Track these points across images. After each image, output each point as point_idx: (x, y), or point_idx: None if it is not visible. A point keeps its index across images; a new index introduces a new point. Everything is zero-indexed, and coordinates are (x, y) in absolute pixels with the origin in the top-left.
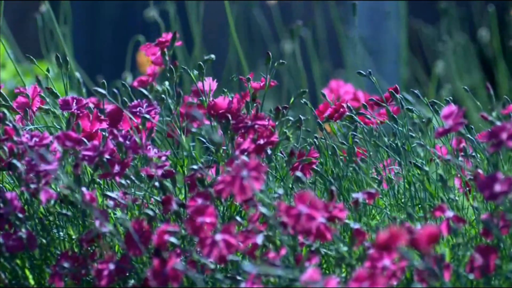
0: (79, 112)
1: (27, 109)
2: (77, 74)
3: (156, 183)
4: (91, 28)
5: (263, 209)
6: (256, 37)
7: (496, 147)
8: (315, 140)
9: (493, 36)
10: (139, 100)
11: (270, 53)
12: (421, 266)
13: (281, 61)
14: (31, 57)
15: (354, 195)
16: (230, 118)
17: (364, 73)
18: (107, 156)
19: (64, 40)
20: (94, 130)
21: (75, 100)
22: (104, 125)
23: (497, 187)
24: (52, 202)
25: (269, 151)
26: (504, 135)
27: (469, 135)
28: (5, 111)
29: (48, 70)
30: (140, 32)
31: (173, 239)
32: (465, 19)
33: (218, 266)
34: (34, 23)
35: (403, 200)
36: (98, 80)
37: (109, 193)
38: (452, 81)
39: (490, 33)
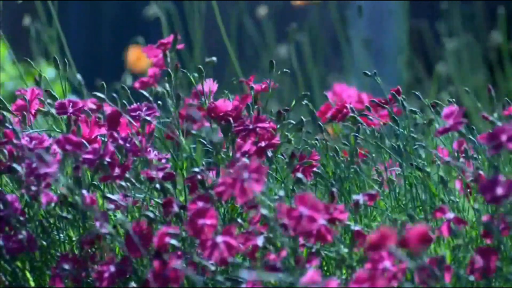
0: (75, 115)
1: (25, 112)
2: (78, 76)
3: (157, 185)
4: (91, 29)
5: (263, 211)
6: (256, 37)
7: (496, 149)
8: (316, 142)
9: (496, 37)
10: (138, 103)
11: (273, 61)
12: (413, 265)
13: (284, 70)
14: (29, 59)
15: (355, 196)
16: (231, 120)
17: (370, 74)
18: (107, 159)
19: (62, 41)
20: (93, 136)
21: (71, 103)
22: (103, 130)
23: (499, 190)
24: (53, 204)
25: (270, 153)
26: (503, 137)
27: (470, 136)
28: (5, 113)
29: (40, 73)
30: (141, 33)
31: (173, 241)
32: (468, 19)
33: (218, 268)
34: (33, 24)
35: (404, 202)
36: (98, 82)
37: (109, 196)
38: (454, 82)
39: (493, 34)
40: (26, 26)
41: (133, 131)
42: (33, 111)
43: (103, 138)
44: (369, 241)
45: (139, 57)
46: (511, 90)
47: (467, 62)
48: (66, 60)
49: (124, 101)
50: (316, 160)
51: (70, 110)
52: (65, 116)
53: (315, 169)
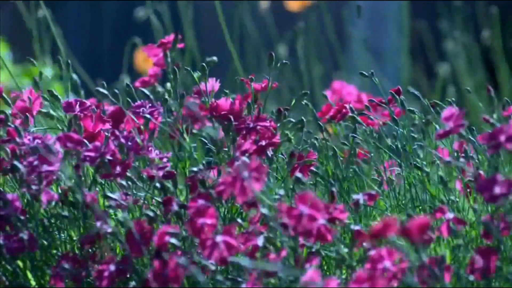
0: (82, 114)
1: (27, 113)
2: (74, 76)
3: (157, 184)
4: (91, 29)
5: (264, 210)
6: (256, 38)
7: (494, 149)
8: (315, 141)
9: (495, 37)
10: (142, 100)
11: (273, 54)
12: (414, 258)
13: (284, 61)
14: (31, 59)
15: (355, 196)
16: (232, 119)
17: (366, 74)
18: (108, 157)
19: (63, 42)
20: (96, 131)
21: (78, 103)
22: (107, 125)
23: (497, 189)
24: (53, 203)
25: (270, 153)
26: (502, 137)
27: (470, 137)
28: (7, 112)
29: (41, 73)
30: (141, 34)
31: (174, 240)
32: (468, 20)
33: (218, 267)
34: (33, 25)
35: (403, 202)
36: (98, 82)
37: (110, 194)
38: (455, 82)
39: (493, 34)
40: (27, 26)
41: (135, 128)
42: (34, 112)
43: (106, 133)
44: (372, 231)
45: (147, 58)
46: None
47: (466, 62)
48: (67, 60)
49: (127, 99)
50: (313, 159)
51: (77, 109)
52: (68, 116)
53: (312, 168)
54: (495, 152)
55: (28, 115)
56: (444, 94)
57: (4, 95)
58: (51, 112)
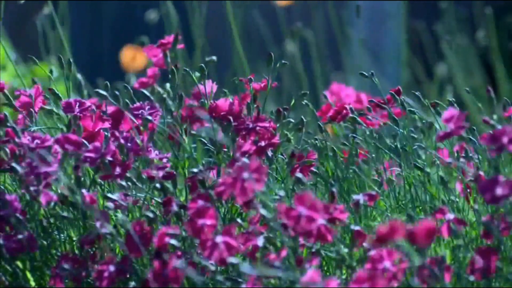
0: (81, 115)
1: (30, 109)
2: (79, 76)
3: (157, 185)
4: (91, 29)
5: (263, 211)
6: (257, 38)
7: (497, 151)
8: (315, 141)
9: (492, 38)
10: (141, 102)
11: (272, 54)
12: (419, 261)
13: (283, 61)
14: (33, 58)
15: (355, 196)
16: (231, 120)
17: (367, 75)
18: (108, 158)
19: (64, 42)
20: (96, 130)
21: (78, 103)
22: (107, 124)
23: (499, 191)
24: (53, 204)
25: (270, 153)
26: (505, 139)
27: (470, 137)
28: (7, 113)
29: (51, 72)
30: (141, 34)
31: (173, 241)
32: (465, 20)
33: (218, 268)
34: (34, 25)
35: (403, 202)
36: (99, 82)
37: (110, 195)
38: (453, 82)
39: (489, 35)
40: (27, 26)
41: (134, 130)
42: (36, 109)
43: (106, 133)
44: (378, 234)
45: (134, 57)
46: (510, 90)
47: (465, 63)
48: (69, 60)
49: (126, 100)
50: (314, 159)
51: (77, 109)
52: (69, 115)
53: (313, 168)
54: (498, 153)
55: (31, 110)
56: (442, 95)
57: (6, 92)
58: (54, 110)
